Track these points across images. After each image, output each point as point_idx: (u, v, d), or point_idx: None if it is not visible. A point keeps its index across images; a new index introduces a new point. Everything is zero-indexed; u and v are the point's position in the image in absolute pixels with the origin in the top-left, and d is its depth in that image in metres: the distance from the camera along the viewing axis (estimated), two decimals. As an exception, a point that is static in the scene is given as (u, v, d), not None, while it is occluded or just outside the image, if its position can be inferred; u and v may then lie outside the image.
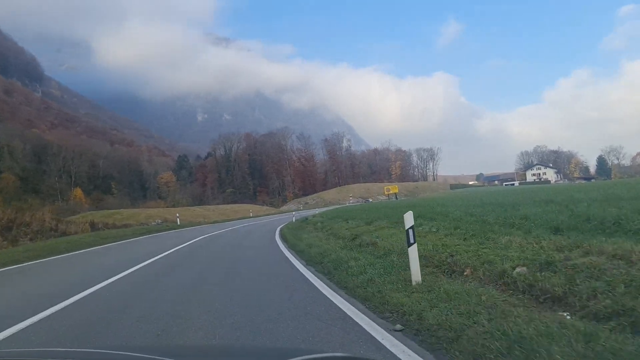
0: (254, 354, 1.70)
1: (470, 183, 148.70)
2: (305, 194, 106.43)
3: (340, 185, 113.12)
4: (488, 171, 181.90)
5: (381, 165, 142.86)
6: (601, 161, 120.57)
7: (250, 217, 45.97)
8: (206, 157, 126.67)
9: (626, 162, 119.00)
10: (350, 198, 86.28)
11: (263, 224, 30.31)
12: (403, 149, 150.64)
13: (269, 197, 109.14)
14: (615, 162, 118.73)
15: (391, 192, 78.40)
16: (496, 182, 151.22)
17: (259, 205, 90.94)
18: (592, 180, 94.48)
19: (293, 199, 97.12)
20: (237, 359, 1.48)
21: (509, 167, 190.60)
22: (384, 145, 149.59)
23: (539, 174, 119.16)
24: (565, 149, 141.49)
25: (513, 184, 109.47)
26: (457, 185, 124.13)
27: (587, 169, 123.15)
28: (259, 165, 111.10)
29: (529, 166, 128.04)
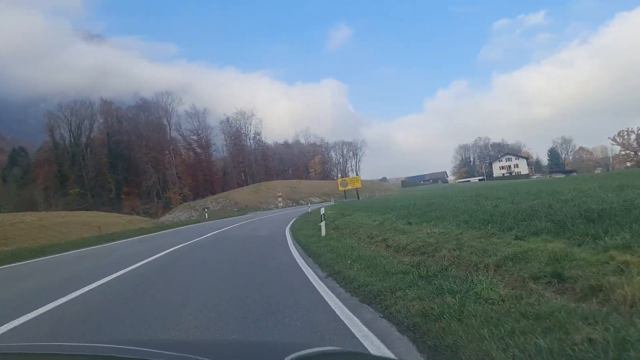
0: (248, 350, 1.64)
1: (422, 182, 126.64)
2: (199, 196, 71.51)
3: (248, 184, 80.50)
4: (391, 175, 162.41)
5: (296, 160, 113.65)
6: (553, 154, 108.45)
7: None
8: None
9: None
10: (280, 200, 54.87)
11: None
12: (323, 141, 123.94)
13: (141, 202, 71.69)
14: (566, 156, 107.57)
15: (348, 187, 49.31)
16: (422, 182, 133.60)
17: (125, 215, 55.40)
18: (572, 174, 77.94)
19: (182, 203, 61.88)
20: (235, 355, 1.42)
21: (426, 168, 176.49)
22: (298, 136, 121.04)
23: (509, 166, 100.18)
24: (510, 142, 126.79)
25: (468, 181, 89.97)
26: (408, 184, 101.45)
27: (538, 162, 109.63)
28: (125, 153, 72.88)
29: (495, 157, 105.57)
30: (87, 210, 58.34)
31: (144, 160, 68.83)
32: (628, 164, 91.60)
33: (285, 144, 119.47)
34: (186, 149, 79.18)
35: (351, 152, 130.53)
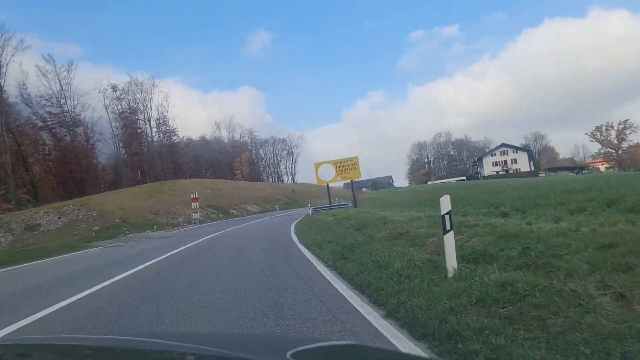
0: (259, 342, 1.65)
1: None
2: (59, 201, 42.25)
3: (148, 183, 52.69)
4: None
5: (217, 158, 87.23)
6: (527, 151, 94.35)
7: None
8: None
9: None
10: (194, 206, 29.19)
11: None
12: (252, 135, 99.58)
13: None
14: (538, 155, 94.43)
15: (336, 179, 25.67)
16: (388, 184, 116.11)
17: None
18: (583, 171, 62.84)
19: None
20: (243, 347, 1.42)
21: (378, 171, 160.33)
22: (219, 127, 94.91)
23: (505, 161, 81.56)
24: (475, 138, 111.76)
25: (444, 182, 71.67)
26: (379, 186, 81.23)
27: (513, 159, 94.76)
28: None
29: (487, 153, 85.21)
30: None
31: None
32: (606, 165, 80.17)
33: (203, 140, 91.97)
34: (35, 127, 49.03)
35: (285, 152, 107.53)
